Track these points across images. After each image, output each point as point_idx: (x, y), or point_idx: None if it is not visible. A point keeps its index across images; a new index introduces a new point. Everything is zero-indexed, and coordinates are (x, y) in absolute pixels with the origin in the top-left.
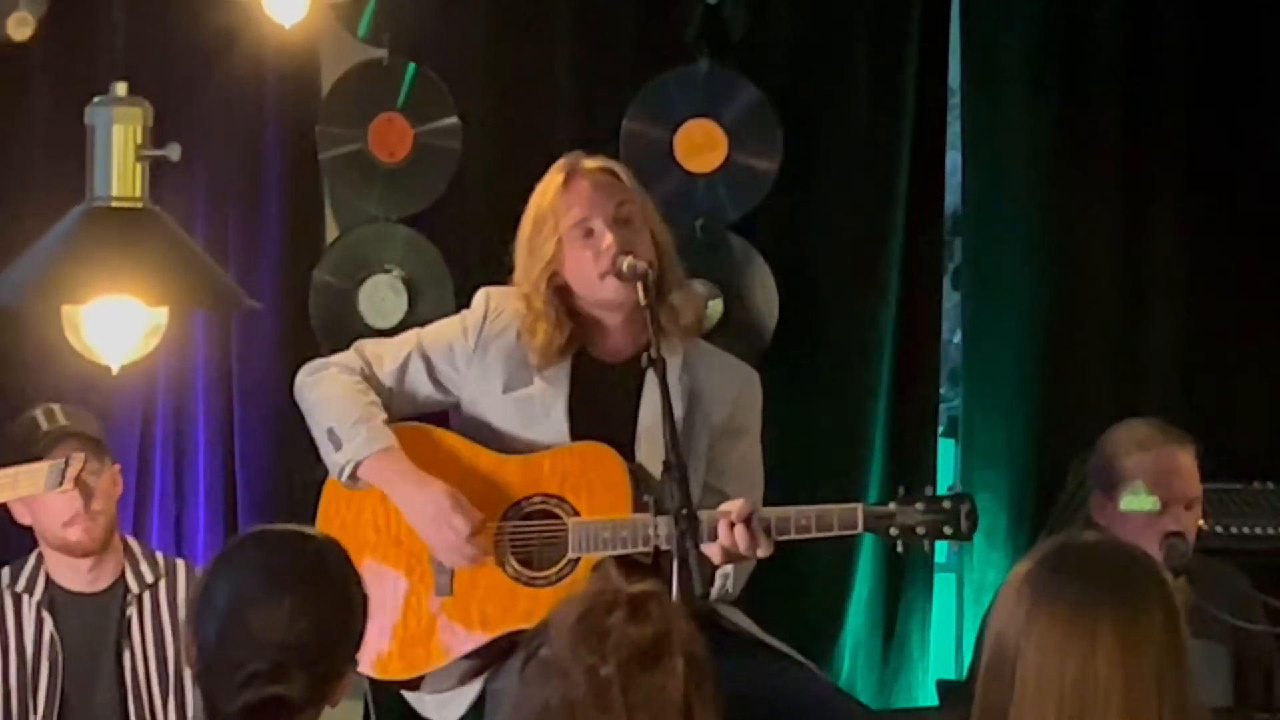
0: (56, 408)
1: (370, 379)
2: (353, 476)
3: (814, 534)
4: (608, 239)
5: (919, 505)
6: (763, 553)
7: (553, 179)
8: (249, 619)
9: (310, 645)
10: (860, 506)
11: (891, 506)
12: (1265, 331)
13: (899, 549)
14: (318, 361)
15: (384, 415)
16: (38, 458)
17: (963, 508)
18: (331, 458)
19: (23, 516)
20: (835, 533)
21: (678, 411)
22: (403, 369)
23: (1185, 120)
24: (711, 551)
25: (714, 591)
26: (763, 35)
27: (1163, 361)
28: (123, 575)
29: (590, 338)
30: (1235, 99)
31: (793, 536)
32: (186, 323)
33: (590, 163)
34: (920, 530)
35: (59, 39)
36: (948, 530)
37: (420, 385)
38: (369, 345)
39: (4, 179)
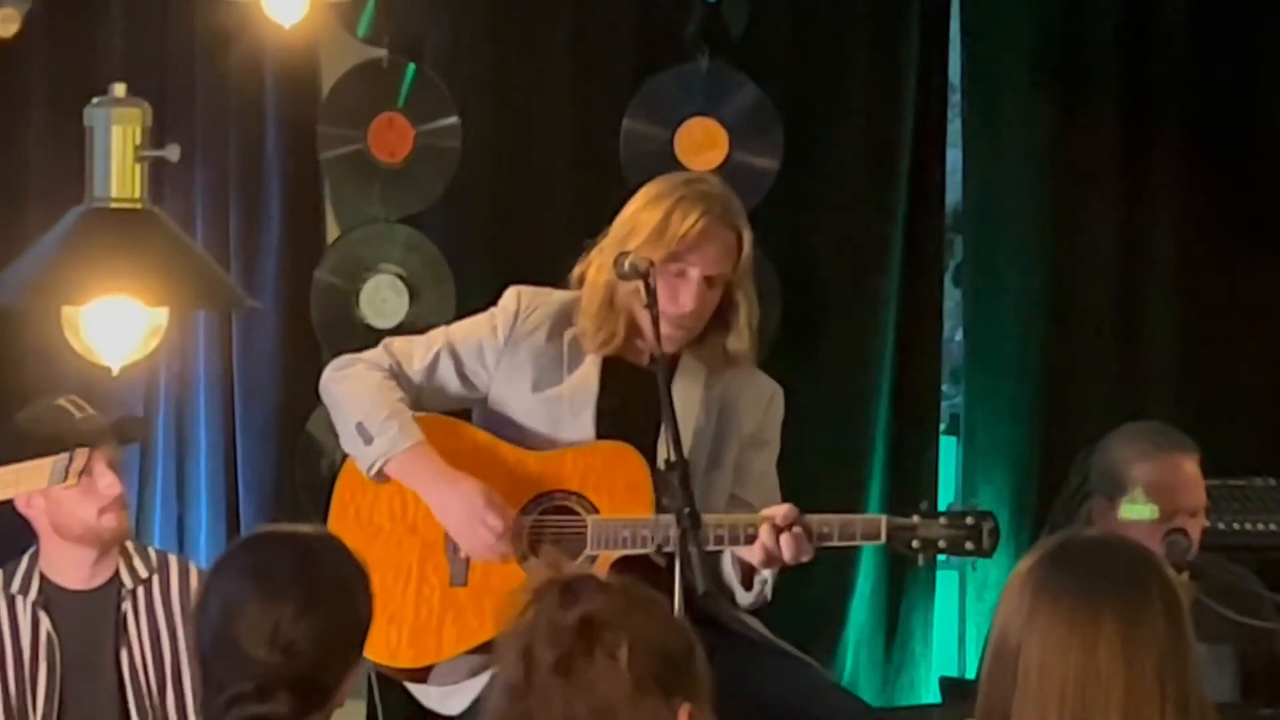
0: (75, 398)
1: (399, 376)
2: (380, 472)
3: (836, 542)
4: (689, 296)
5: (942, 520)
6: (805, 558)
7: (695, 209)
8: (237, 632)
9: (302, 657)
10: (884, 518)
11: (915, 519)
12: (1266, 327)
13: (920, 562)
14: (346, 357)
15: (410, 413)
16: (75, 445)
17: (985, 525)
18: (361, 451)
19: (27, 507)
20: (857, 542)
21: (708, 421)
22: (432, 366)
23: (1185, 117)
24: (752, 554)
25: (752, 597)
26: (763, 33)
27: (1164, 358)
28: (117, 572)
29: (631, 337)
30: (1235, 96)
31: (815, 544)
32: (187, 323)
33: (732, 218)
34: (942, 544)
35: (58, 40)
36: (969, 546)
37: (449, 382)
38: (397, 342)
39: (3, 180)
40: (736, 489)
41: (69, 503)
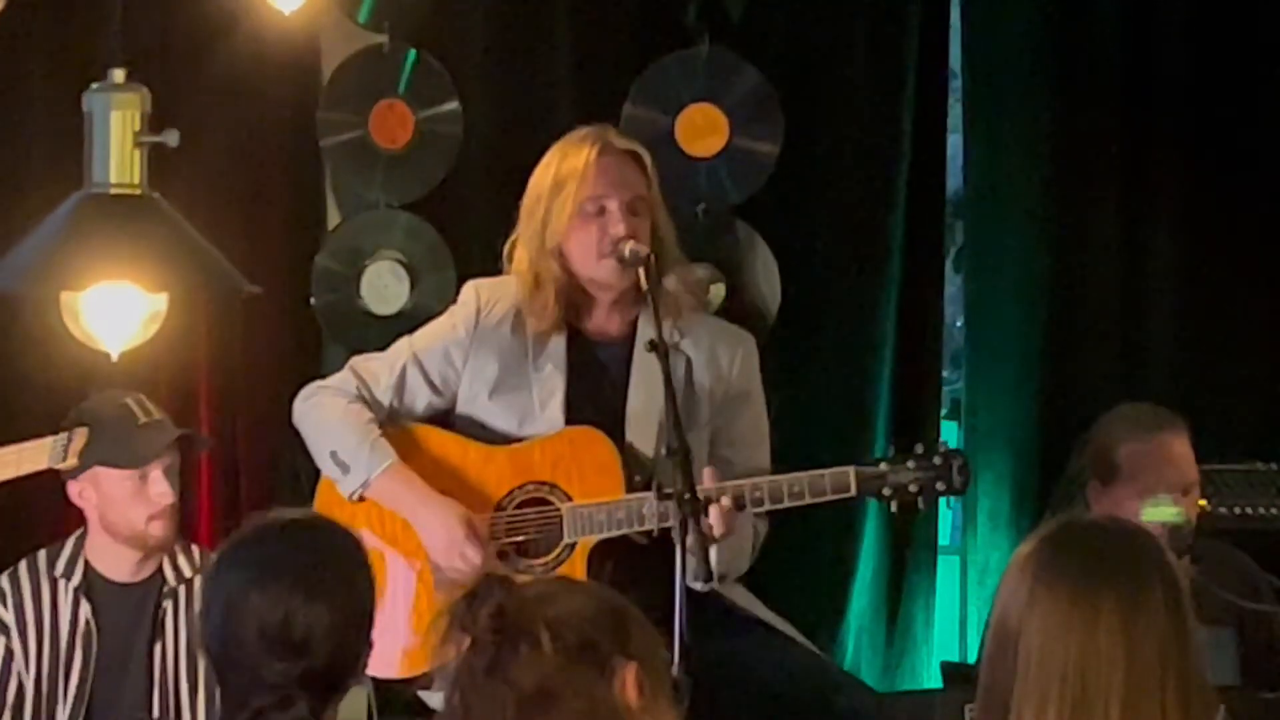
0: (141, 398)
1: (366, 399)
2: (361, 498)
3: (807, 499)
4: (618, 223)
5: (910, 464)
6: (718, 531)
7: (582, 148)
8: (245, 634)
9: (316, 652)
10: (852, 468)
11: (883, 466)
12: (1265, 312)
13: (893, 509)
14: (312, 386)
15: (379, 432)
16: (138, 450)
17: (955, 462)
18: (339, 480)
19: (79, 499)
20: (829, 497)
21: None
22: (400, 382)
23: (1186, 102)
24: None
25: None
26: (763, 18)
27: (1164, 343)
28: (161, 568)
29: (582, 312)
30: (1235, 80)
31: (786, 504)
32: (187, 309)
33: (621, 142)
34: (913, 488)
35: (57, 25)
36: (940, 486)
37: (420, 395)
38: (361, 363)
39: (2, 165)
40: (723, 449)
41: (120, 504)
